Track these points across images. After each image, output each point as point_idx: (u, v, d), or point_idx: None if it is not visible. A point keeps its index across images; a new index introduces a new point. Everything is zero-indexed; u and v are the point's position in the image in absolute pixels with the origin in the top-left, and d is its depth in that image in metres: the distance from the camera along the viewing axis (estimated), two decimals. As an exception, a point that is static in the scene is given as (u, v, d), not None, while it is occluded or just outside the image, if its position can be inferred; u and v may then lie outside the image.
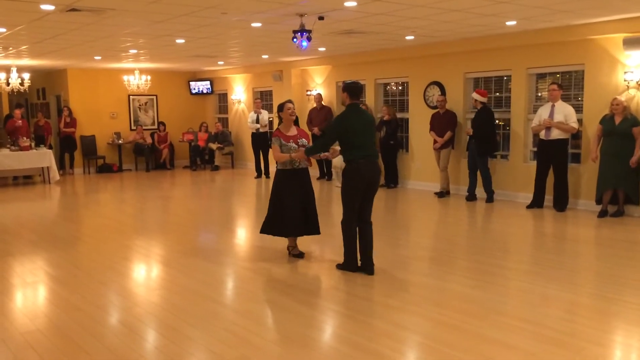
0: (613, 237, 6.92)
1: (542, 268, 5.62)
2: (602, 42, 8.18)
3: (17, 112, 13.27)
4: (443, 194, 9.96)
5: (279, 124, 6.02)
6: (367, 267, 5.38)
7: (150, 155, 15.05)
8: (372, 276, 5.33)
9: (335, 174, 11.61)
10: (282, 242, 6.25)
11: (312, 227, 5.99)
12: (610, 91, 8.07)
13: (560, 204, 8.38)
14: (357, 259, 5.45)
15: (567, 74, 8.93)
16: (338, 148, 5.61)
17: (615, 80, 8.09)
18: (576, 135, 8.75)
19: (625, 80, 7.90)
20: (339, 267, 5.54)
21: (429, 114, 10.28)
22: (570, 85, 8.90)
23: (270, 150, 6.04)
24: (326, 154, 5.65)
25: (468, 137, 9.50)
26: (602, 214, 7.90)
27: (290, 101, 6.12)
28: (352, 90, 5.38)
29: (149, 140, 15.13)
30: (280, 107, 5.99)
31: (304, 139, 5.90)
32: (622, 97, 7.81)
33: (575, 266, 5.81)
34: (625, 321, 4.26)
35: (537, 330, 3.99)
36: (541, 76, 9.23)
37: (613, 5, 6.81)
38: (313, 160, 12.31)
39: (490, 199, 9.28)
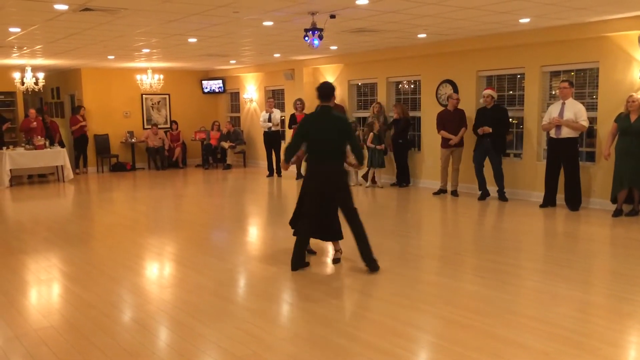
0: (628, 237, 6.84)
1: (555, 267, 5.57)
2: (617, 39, 8.08)
3: (32, 112, 13.41)
4: (455, 193, 9.91)
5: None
6: (371, 265, 5.38)
7: (162, 154, 15.15)
8: (384, 275, 5.32)
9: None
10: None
11: (327, 233, 5.76)
12: (625, 89, 7.98)
13: (573, 202, 8.30)
14: (304, 257, 5.59)
15: (581, 72, 8.84)
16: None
17: (630, 78, 8.00)
18: (590, 134, 8.67)
19: (640, 78, 7.82)
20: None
21: (442, 113, 10.23)
22: (584, 83, 8.81)
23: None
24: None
25: (478, 135, 9.39)
26: (617, 213, 7.82)
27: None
28: (319, 91, 5.41)
29: (165, 142, 15.19)
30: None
31: None
32: (638, 95, 7.72)
33: (589, 265, 5.76)
34: (640, 321, 4.21)
35: (550, 329, 3.96)
36: (555, 74, 9.14)
37: (628, 2, 6.73)
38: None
39: (503, 197, 9.21)
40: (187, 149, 15.80)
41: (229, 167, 14.93)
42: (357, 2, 6.56)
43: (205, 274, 5.52)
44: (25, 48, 10.24)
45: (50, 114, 16.26)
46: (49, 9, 6.59)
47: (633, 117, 7.63)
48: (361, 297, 4.83)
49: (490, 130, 9.14)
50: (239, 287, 5.34)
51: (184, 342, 3.88)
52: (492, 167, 9.26)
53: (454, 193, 9.89)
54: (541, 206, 8.58)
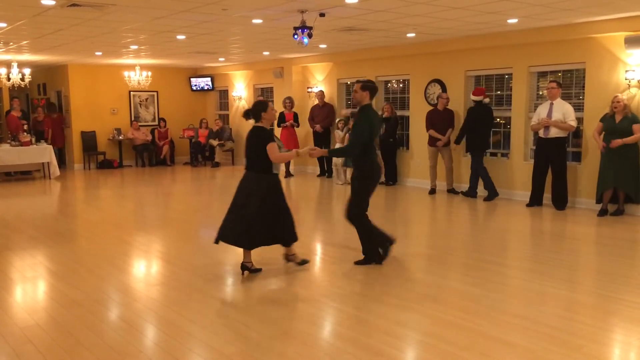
0: (613, 236, 6.92)
1: (541, 266, 5.62)
2: (603, 40, 8.16)
3: (16, 102, 13.28)
4: (454, 191, 9.95)
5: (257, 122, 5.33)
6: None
7: (150, 151, 15.07)
8: (373, 274, 5.33)
9: (335, 171, 11.61)
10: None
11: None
12: (611, 90, 8.05)
13: (560, 202, 8.38)
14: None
15: (568, 73, 8.92)
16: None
17: (616, 79, 8.08)
18: (577, 134, 8.74)
19: (626, 79, 7.89)
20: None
21: (430, 112, 10.27)
22: (571, 83, 8.88)
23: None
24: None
25: (466, 136, 9.49)
26: (602, 212, 7.90)
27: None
28: (373, 90, 5.61)
29: (147, 136, 15.13)
30: (265, 107, 5.29)
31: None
32: (623, 96, 7.80)
33: (574, 264, 5.82)
34: (624, 319, 4.25)
35: (536, 327, 4.00)
36: (542, 74, 9.21)
37: (615, 3, 6.79)
38: (313, 159, 12.15)
39: (490, 197, 9.24)
40: (175, 147, 15.73)
41: (217, 165, 14.88)
42: (347, 1, 6.56)
43: (193, 272, 5.50)
44: (11, 43, 10.13)
45: (35, 110, 16.07)
46: (36, 4, 6.52)
47: (618, 118, 7.70)
48: (349, 296, 4.84)
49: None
50: (227, 285, 5.32)
51: (171, 340, 3.86)
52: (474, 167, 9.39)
53: (452, 191, 9.93)
54: (528, 205, 8.65)
